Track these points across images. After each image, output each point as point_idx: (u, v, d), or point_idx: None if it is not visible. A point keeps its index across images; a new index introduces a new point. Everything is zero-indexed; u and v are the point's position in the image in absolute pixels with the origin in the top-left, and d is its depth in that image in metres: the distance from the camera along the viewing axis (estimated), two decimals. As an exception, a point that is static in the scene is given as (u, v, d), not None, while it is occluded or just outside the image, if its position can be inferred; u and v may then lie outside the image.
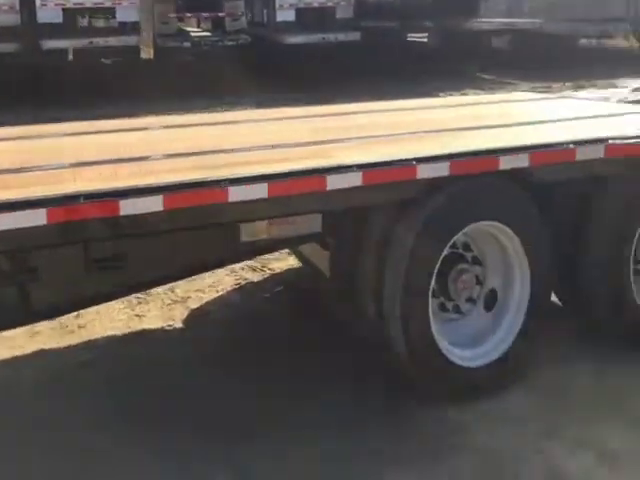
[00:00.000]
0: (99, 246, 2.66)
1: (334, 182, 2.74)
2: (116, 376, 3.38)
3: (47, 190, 2.44)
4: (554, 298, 3.50)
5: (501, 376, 3.17)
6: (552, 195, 3.25)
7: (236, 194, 2.60)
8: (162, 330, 3.84)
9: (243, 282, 4.43)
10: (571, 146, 3.14)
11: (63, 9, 11.21)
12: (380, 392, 3.17)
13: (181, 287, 4.23)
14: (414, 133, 3.52)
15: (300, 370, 3.35)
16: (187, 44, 12.88)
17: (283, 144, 3.27)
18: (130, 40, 11.57)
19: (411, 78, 11.31)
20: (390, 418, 3.01)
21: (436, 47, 14.60)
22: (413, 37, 15.54)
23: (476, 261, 3.19)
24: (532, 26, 13.82)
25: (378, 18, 13.64)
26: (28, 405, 3.16)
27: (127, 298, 3.95)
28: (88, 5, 11.63)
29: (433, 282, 3.00)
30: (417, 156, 2.90)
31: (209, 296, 4.23)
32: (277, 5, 12.88)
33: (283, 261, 4.66)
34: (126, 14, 11.55)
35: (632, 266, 3.37)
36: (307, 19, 13.07)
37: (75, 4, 11.38)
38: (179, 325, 3.90)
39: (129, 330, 3.82)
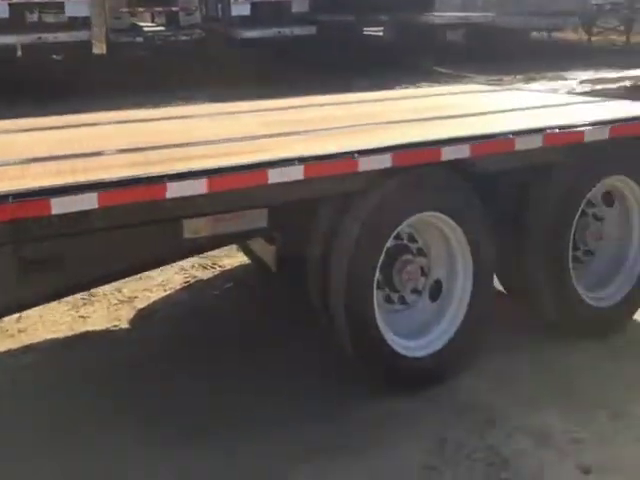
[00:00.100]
0: (34, 247, 2.58)
1: (275, 176, 2.72)
2: (57, 379, 3.30)
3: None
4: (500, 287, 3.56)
5: (447, 365, 3.20)
6: (494, 185, 3.28)
7: (175, 190, 2.56)
8: (107, 331, 3.76)
9: (192, 280, 4.38)
10: (510, 136, 3.18)
11: (9, 4, 10.87)
12: (331, 385, 3.16)
13: (128, 287, 4.16)
14: (363, 125, 3.52)
15: (251, 367, 3.33)
16: (140, 39, 12.66)
17: (231, 138, 3.24)
18: (81, 35, 11.31)
19: (367, 72, 11.33)
20: (341, 411, 3.00)
21: (392, 41, 14.63)
22: (369, 31, 15.56)
23: (421, 252, 3.21)
24: (485, 20, 14.00)
25: (334, 12, 13.60)
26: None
27: (72, 299, 3.87)
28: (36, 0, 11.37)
29: (378, 273, 3.01)
30: (359, 149, 2.90)
31: (157, 295, 4.17)
32: (232, -1, 12.76)
33: (234, 258, 4.62)
34: (76, 9, 11.26)
35: (571, 253, 3.44)
36: (262, 13, 12.93)
37: (22, -2, 11.10)
38: (125, 325, 3.82)
39: (72, 332, 3.73)
